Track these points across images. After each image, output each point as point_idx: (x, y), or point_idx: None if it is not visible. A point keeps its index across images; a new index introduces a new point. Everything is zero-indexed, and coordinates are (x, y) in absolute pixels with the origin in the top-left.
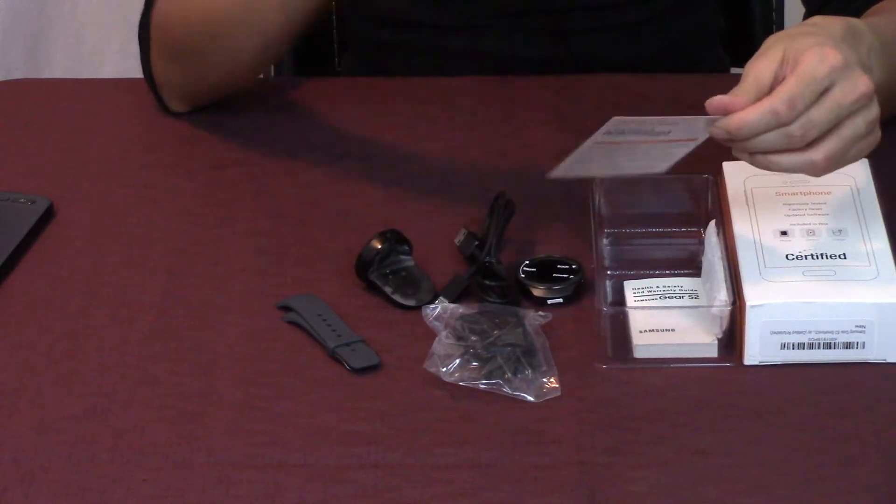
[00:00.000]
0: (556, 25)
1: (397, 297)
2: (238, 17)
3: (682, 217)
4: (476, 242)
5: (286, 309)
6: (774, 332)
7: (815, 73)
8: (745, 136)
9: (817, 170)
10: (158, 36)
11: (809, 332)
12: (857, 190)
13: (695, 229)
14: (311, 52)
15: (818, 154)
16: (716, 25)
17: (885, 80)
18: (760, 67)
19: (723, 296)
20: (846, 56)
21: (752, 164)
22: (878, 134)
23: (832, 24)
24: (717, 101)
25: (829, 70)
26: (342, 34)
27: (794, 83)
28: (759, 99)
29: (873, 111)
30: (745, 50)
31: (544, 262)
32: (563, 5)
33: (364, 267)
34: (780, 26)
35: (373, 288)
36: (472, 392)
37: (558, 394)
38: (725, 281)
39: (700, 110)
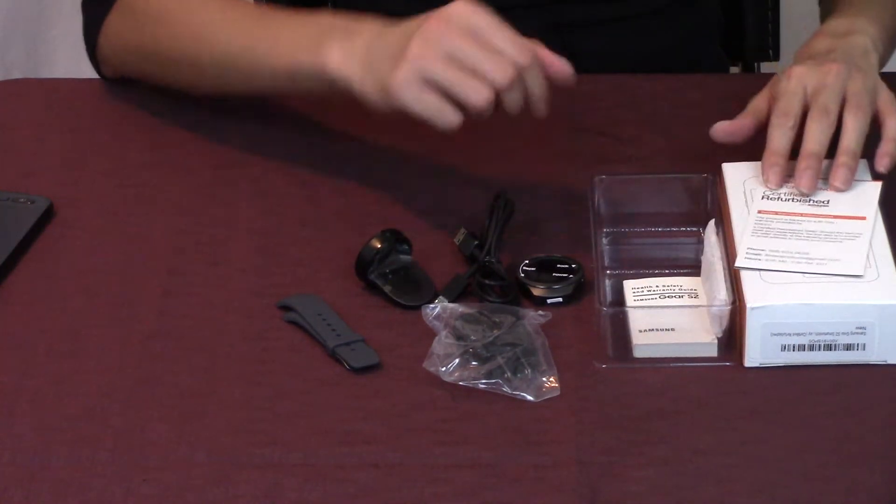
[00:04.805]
0: (552, 18)
1: (397, 297)
2: (196, 81)
3: (681, 217)
4: (476, 242)
5: (286, 309)
6: (775, 334)
7: (787, 89)
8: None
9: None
10: (106, 56)
11: (810, 333)
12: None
13: (694, 229)
14: None
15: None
16: (715, 23)
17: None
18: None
19: (722, 295)
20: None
21: None
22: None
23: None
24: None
25: (795, 81)
26: None
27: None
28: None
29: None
30: (738, 48)
31: (544, 261)
32: None
33: (364, 267)
34: (776, 24)
35: (373, 288)
36: (472, 392)
37: (558, 393)
38: (725, 280)
39: (698, 109)
